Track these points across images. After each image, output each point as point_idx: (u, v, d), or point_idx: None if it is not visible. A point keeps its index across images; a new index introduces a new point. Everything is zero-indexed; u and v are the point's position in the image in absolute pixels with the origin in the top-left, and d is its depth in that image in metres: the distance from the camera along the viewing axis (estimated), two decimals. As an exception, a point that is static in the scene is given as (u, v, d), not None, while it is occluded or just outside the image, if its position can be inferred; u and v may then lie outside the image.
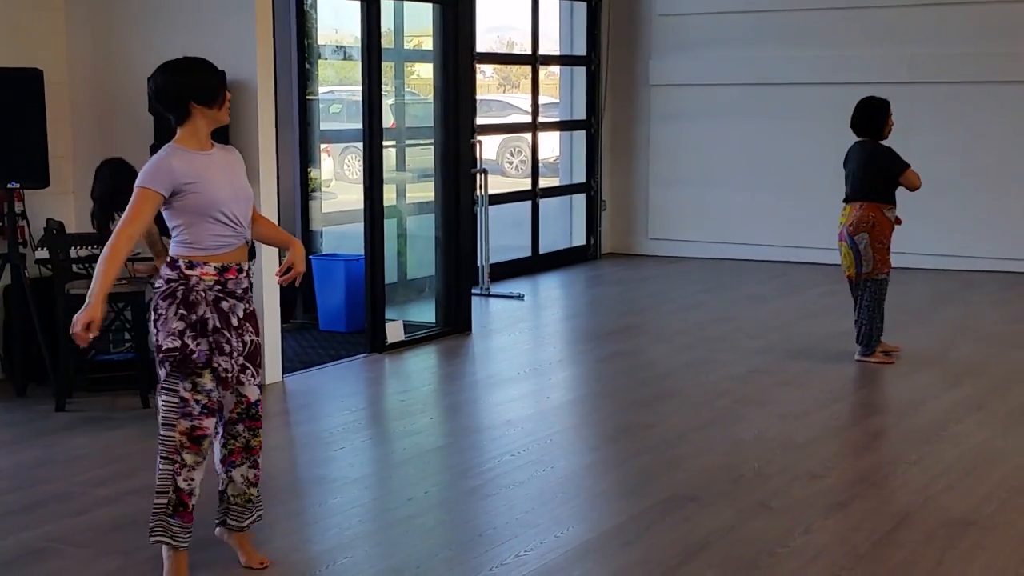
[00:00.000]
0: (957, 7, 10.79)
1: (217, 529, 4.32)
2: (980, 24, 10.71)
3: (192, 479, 4.03)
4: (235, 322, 4.06)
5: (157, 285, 4.03)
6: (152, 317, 4.03)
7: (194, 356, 3.97)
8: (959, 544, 4.49)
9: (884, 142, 7.31)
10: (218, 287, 4.02)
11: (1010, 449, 5.73)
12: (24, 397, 6.63)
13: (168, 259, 4.04)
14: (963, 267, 10.78)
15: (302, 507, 5.06)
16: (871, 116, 7.29)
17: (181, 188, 3.94)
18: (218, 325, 4.01)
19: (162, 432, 4.02)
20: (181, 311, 3.96)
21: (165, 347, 3.96)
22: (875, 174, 7.19)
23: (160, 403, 4.02)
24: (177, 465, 4.02)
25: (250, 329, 4.14)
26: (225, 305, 4.04)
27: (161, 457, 4.04)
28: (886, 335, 7.60)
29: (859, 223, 7.24)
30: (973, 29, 10.73)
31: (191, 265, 3.98)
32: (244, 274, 4.10)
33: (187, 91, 4.00)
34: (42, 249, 6.63)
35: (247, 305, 4.14)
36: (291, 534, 4.69)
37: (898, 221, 7.38)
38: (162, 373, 4.00)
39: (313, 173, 9.02)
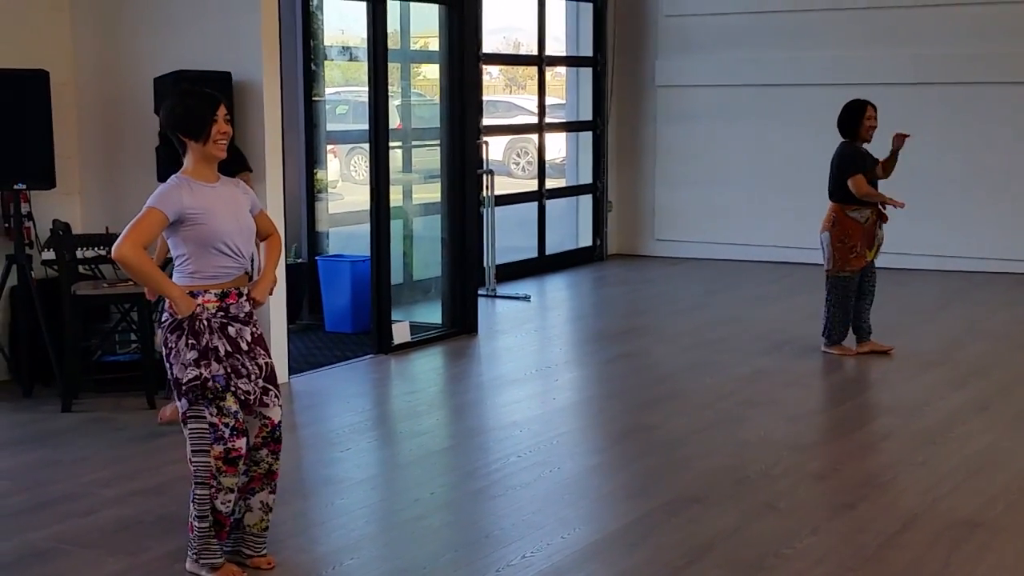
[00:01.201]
0: (963, 7, 10.77)
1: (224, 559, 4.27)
2: (986, 25, 10.68)
3: (229, 501, 4.10)
4: (244, 346, 4.11)
5: (164, 320, 4.07)
6: (164, 352, 4.07)
7: (211, 383, 4.01)
8: (966, 545, 4.48)
9: (867, 143, 7.47)
10: (221, 313, 4.07)
11: (1017, 450, 5.71)
12: (30, 398, 6.64)
13: None
14: (970, 268, 10.75)
15: (308, 508, 5.06)
16: (845, 118, 7.49)
17: (187, 217, 4.00)
18: (230, 350, 4.06)
19: (194, 459, 4.07)
20: (191, 341, 4.01)
21: (185, 378, 4.01)
22: (836, 175, 7.46)
23: (188, 433, 4.06)
24: (214, 489, 4.08)
25: (262, 352, 4.19)
26: (232, 330, 4.09)
27: (197, 483, 4.08)
28: (884, 335, 7.62)
29: (824, 222, 7.54)
30: (979, 30, 10.71)
31: (193, 295, 4.03)
32: (244, 298, 4.15)
33: (172, 122, 4.08)
34: (48, 250, 6.64)
35: (254, 329, 4.18)
36: (297, 535, 4.69)
37: (884, 218, 7.52)
38: (184, 405, 4.05)
39: (319, 174, 9.03)
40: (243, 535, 4.26)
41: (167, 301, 4.03)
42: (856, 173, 7.38)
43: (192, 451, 4.06)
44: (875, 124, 7.43)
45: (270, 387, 4.19)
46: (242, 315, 4.12)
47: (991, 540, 4.55)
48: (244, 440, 4.09)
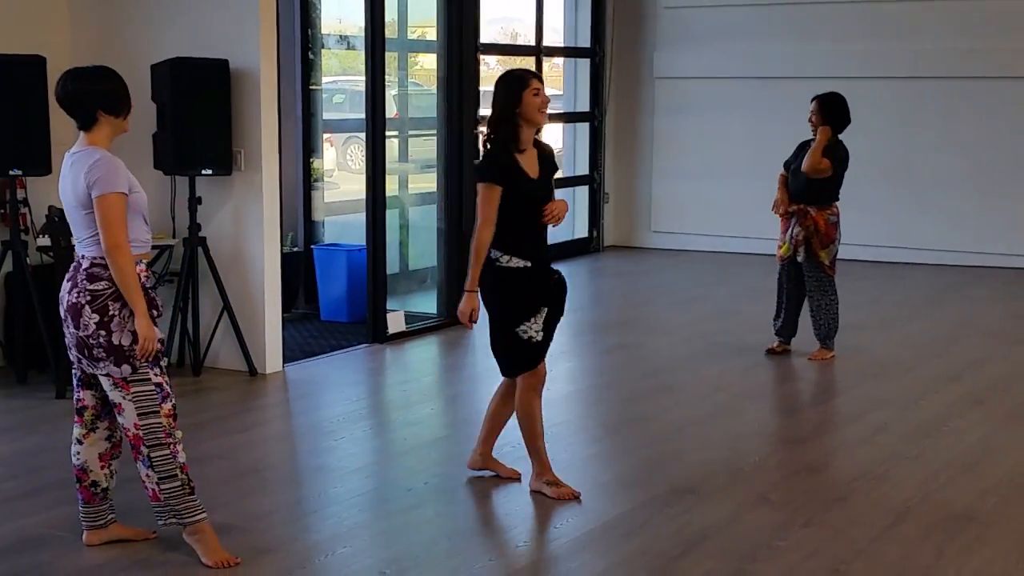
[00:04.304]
0: (963, 2, 10.76)
1: (91, 534, 4.36)
2: (985, 19, 10.68)
3: (183, 452, 4.22)
4: (156, 313, 4.21)
5: (98, 287, 4.08)
6: (97, 319, 4.07)
7: (161, 342, 4.16)
8: (959, 539, 4.49)
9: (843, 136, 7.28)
10: (143, 281, 4.19)
11: (1011, 445, 5.72)
12: (25, 384, 6.63)
13: (102, 260, 4.09)
14: (966, 262, 10.76)
15: (302, 496, 5.06)
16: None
17: (129, 189, 4.12)
18: (154, 315, 4.20)
19: (145, 422, 4.14)
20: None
21: (130, 343, 4.08)
22: None
23: (133, 398, 4.13)
24: (173, 446, 4.17)
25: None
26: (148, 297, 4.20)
27: (154, 446, 4.14)
28: (880, 328, 7.60)
29: None
30: (978, 24, 10.70)
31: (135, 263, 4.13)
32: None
33: (95, 99, 4.15)
34: (44, 236, 6.62)
35: (155, 295, 4.28)
36: (290, 523, 4.69)
37: (801, 217, 7.20)
38: (127, 369, 4.11)
39: (316, 163, 9.02)
40: (111, 501, 4.38)
41: (97, 270, 4.07)
42: (784, 165, 7.38)
43: (140, 414, 4.12)
44: (810, 119, 7.21)
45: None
46: (149, 284, 4.24)
47: (984, 534, 4.55)
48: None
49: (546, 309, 4.77)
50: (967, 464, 5.39)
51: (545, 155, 4.88)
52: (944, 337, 8.11)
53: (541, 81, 4.79)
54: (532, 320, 4.75)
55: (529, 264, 4.75)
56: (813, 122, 7.20)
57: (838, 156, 7.15)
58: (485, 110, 11.74)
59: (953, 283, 10.12)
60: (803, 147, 7.29)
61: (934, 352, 7.63)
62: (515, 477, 5.09)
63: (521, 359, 4.83)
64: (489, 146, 4.79)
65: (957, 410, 6.28)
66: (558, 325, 4.94)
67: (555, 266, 4.97)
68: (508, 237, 4.71)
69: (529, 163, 4.77)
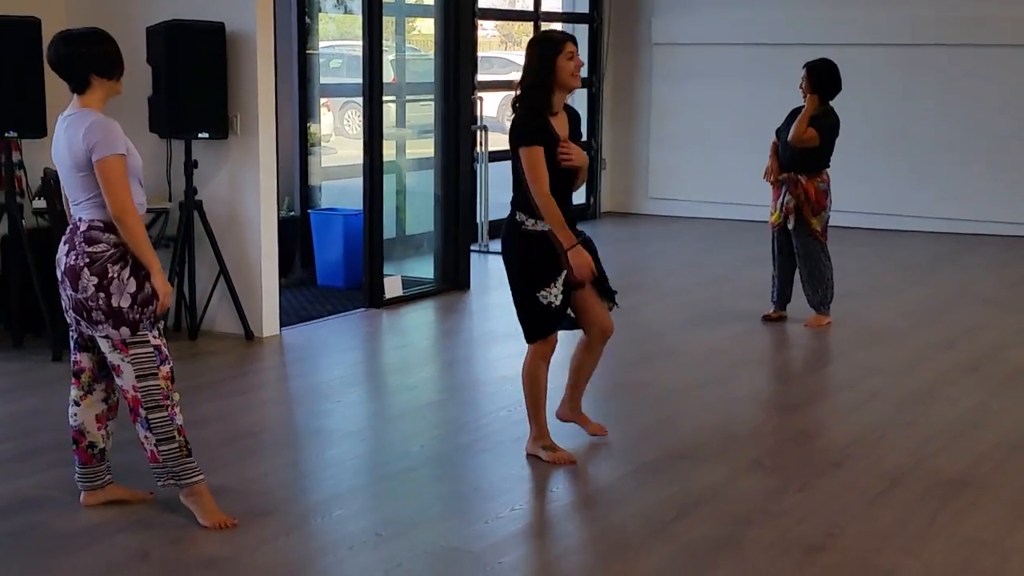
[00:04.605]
0: (962, -31, 10.71)
1: (88, 495, 4.38)
2: (985, -14, 10.64)
3: (180, 415, 4.22)
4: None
5: (97, 250, 4.08)
6: (96, 282, 4.07)
7: (157, 302, 4.16)
8: (952, 504, 4.51)
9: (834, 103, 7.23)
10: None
11: (1005, 411, 5.74)
12: (21, 347, 6.64)
13: (100, 223, 4.10)
14: (962, 230, 10.76)
15: (298, 458, 5.09)
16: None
17: (126, 151, 4.11)
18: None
19: (143, 384, 4.14)
20: (137, 270, 4.10)
21: (130, 304, 4.08)
22: None
23: (131, 360, 4.13)
24: (171, 408, 4.18)
25: None
26: None
27: (152, 408, 4.15)
28: (876, 296, 7.61)
29: None
30: (978, -9, 10.67)
31: None
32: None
33: (88, 63, 4.13)
34: (39, 199, 6.61)
35: None
36: (287, 485, 4.71)
37: (791, 185, 7.19)
38: (126, 332, 4.11)
39: (312, 128, 8.99)
40: (108, 463, 4.41)
41: (96, 232, 4.07)
42: (776, 132, 7.35)
43: (139, 377, 4.13)
44: (800, 86, 7.19)
45: None
46: None
47: (978, 499, 4.58)
48: None
49: (565, 272, 4.75)
50: (961, 430, 5.42)
51: (573, 119, 4.90)
52: (939, 304, 8.12)
53: (576, 44, 4.78)
54: (552, 285, 4.73)
55: (548, 228, 4.74)
56: (803, 89, 7.18)
57: (827, 124, 7.12)
58: (483, 75, 11.68)
59: (949, 251, 10.13)
60: (794, 114, 7.27)
61: (929, 319, 7.65)
62: (601, 434, 5.17)
63: (539, 324, 4.82)
64: (520, 109, 4.77)
65: (951, 377, 6.30)
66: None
67: None
68: (533, 201, 4.71)
69: (560, 127, 4.79)
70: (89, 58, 4.12)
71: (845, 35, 10.78)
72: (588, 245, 4.91)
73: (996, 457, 5.05)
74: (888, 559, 4.01)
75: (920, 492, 4.63)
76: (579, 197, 11.95)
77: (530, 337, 4.87)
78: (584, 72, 11.91)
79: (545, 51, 4.73)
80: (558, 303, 4.75)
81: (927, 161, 10.93)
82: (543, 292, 4.73)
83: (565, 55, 4.70)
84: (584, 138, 4.96)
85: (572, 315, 4.88)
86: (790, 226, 7.21)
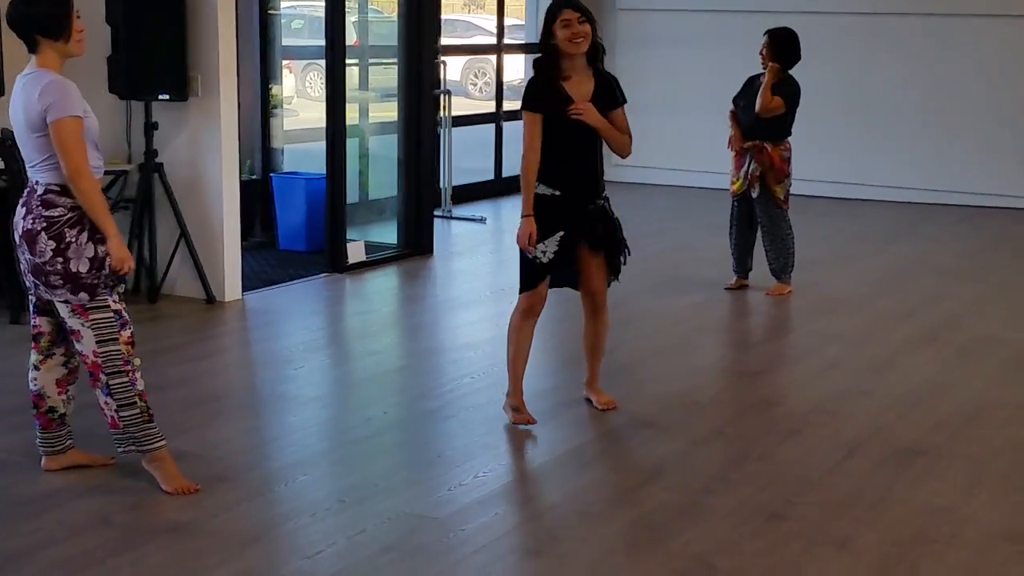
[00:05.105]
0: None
1: (49, 460, 4.36)
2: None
3: (141, 380, 4.19)
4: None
5: (54, 214, 4.03)
6: (53, 246, 4.03)
7: (111, 269, 4.12)
8: (908, 472, 4.58)
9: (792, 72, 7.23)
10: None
11: (961, 381, 5.82)
12: (-21, 310, 6.56)
13: (57, 187, 4.05)
14: (923, 199, 10.86)
15: (260, 424, 5.07)
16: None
17: (83, 113, 4.05)
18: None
19: (104, 349, 4.11)
20: (95, 234, 4.06)
21: (86, 269, 4.04)
22: None
23: (91, 325, 4.10)
24: (132, 373, 4.15)
25: None
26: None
27: (112, 373, 4.12)
28: (835, 264, 7.64)
29: None
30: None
31: None
32: None
33: (31, 22, 4.07)
34: (-3, 160, 6.51)
35: None
36: (249, 451, 4.70)
37: (757, 152, 7.20)
38: (85, 296, 4.07)
39: (275, 90, 8.90)
40: (68, 428, 4.38)
41: (53, 196, 4.02)
42: (733, 101, 7.36)
43: (99, 342, 4.10)
44: (760, 53, 7.19)
45: None
46: None
47: (933, 466, 4.65)
48: None
49: (561, 233, 4.85)
50: (918, 399, 5.48)
51: (603, 84, 4.91)
52: (899, 274, 8.20)
53: (577, 9, 4.79)
54: (543, 243, 4.84)
55: (558, 193, 4.84)
56: (764, 56, 7.19)
57: (790, 92, 7.15)
58: (447, 39, 11.59)
59: (908, 220, 10.22)
60: (751, 82, 7.29)
61: (888, 288, 7.73)
62: (610, 407, 5.16)
63: (524, 276, 4.96)
64: (534, 73, 4.91)
65: (909, 346, 6.37)
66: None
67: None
68: (542, 164, 4.83)
69: (577, 89, 4.83)
70: (32, 17, 4.05)
71: (809, 3, 10.79)
72: (597, 214, 4.95)
73: (952, 425, 5.12)
74: (846, 527, 4.06)
75: (878, 460, 4.69)
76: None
77: (520, 288, 5.00)
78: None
79: (546, 18, 4.86)
80: (544, 260, 4.87)
81: (888, 130, 11.00)
82: (532, 248, 4.85)
83: (560, 23, 4.77)
84: (621, 104, 4.98)
85: (557, 275, 4.98)
86: (754, 194, 7.24)
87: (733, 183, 7.35)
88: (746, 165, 7.24)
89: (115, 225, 4.10)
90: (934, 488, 4.44)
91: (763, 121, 7.15)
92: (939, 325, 6.83)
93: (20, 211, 4.13)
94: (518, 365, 5.02)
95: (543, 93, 4.83)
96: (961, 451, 4.85)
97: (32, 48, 4.09)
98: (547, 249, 4.85)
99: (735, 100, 7.34)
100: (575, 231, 4.89)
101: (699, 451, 4.78)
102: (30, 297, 4.27)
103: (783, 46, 7.14)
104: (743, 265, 7.52)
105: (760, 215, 7.31)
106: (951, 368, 6.02)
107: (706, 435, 4.96)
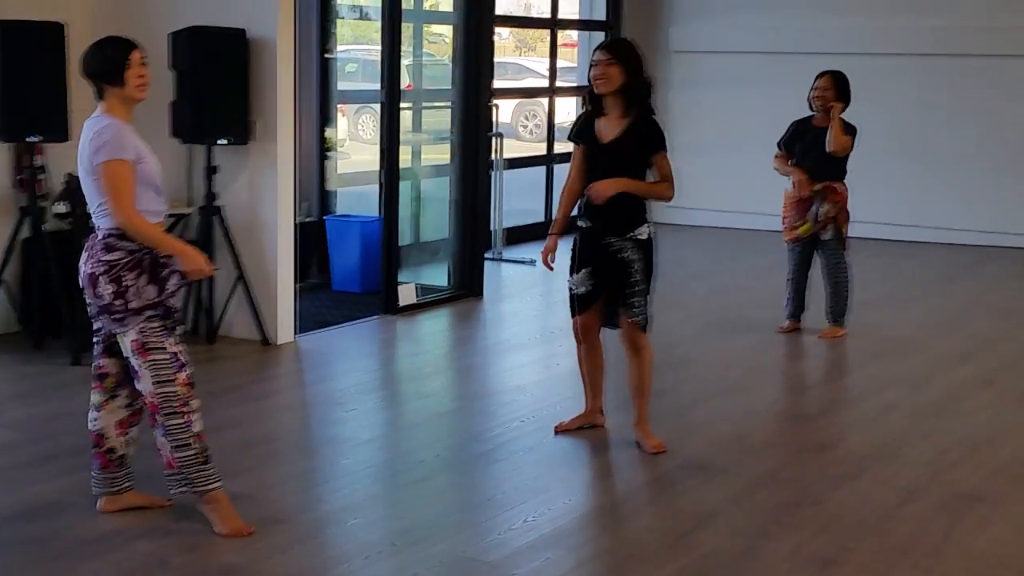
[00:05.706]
0: (981, -21, 10.69)
1: (106, 501, 4.40)
2: (1004, -3, 10.62)
3: (199, 421, 4.25)
4: (180, 277, 4.27)
5: (113, 258, 4.12)
6: (112, 290, 4.12)
7: (176, 310, 4.26)
8: (966, 519, 4.51)
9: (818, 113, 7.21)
10: (161, 256, 4.21)
11: (1020, 425, 5.73)
12: (41, 350, 6.66)
13: (116, 232, 4.13)
14: (979, 242, 10.74)
15: (313, 467, 5.10)
16: None
17: (137, 157, 4.13)
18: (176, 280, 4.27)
19: (161, 391, 4.18)
20: (155, 277, 4.16)
21: (155, 306, 4.15)
22: None
23: (149, 367, 4.17)
24: (188, 415, 4.20)
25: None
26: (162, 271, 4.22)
27: (169, 414, 4.18)
28: (893, 307, 7.58)
29: None
30: (996, 1, 10.63)
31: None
32: None
33: (91, 70, 4.22)
34: (61, 203, 6.64)
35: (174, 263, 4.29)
36: (301, 493, 4.73)
37: (829, 194, 7.16)
38: (141, 339, 4.15)
39: (329, 133, 9.01)
40: (128, 469, 4.42)
41: (112, 240, 4.11)
42: (778, 145, 7.33)
43: (156, 383, 4.17)
44: (820, 95, 7.14)
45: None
46: (166, 258, 4.24)
47: (992, 513, 4.58)
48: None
49: (589, 268, 5.16)
50: (976, 444, 5.41)
51: (639, 127, 5.10)
52: (956, 316, 8.11)
53: (608, 51, 5.08)
54: (573, 275, 5.23)
55: (588, 225, 5.14)
56: (824, 98, 7.15)
57: (853, 131, 7.15)
58: (499, 82, 11.64)
59: (966, 262, 10.11)
60: (799, 125, 7.25)
61: (945, 331, 7.64)
62: (659, 450, 5.16)
63: (570, 306, 5.33)
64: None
65: (967, 390, 6.29)
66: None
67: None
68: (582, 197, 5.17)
69: (608, 128, 5.08)
70: (95, 66, 4.20)
71: (863, 44, 10.77)
72: (613, 254, 5.09)
73: (1011, 471, 5.04)
74: (903, 574, 4.01)
75: (935, 506, 4.63)
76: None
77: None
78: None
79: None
80: (578, 292, 5.22)
81: (943, 172, 10.91)
82: (568, 279, 5.26)
83: (590, 62, 5.08)
84: (656, 151, 5.17)
85: (608, 314, 5.33)
86: (825, 236, 7.19)
87: (795, 227, 7.28)
88: (815, 208, 7.19)
89: (178, 243, 4.25)
90: (993, 535, 4.37)
91: (832, 162, 7.12)
92: (997, 368, 6.74)
93: (84, 255, 4.23)
94: (586, 387, 5.41)
95: (581, 126, 5.19)
96: (1020, 497, 4.77)
97: (99, 95, 4.22)
98: (575, 282, 5.20)
99: (783, 144, 7.32)
100: (595, 268, 5.12)
101: (753, 495, 4.74)
102: (96, 339, 4.35)
103: (845, 86, 7.15)
104: (799, 308, 7.47)
105: (825, 257, 7.27)
106: (1009, 412, 5.93)
107: (760, 479, 4.92)
